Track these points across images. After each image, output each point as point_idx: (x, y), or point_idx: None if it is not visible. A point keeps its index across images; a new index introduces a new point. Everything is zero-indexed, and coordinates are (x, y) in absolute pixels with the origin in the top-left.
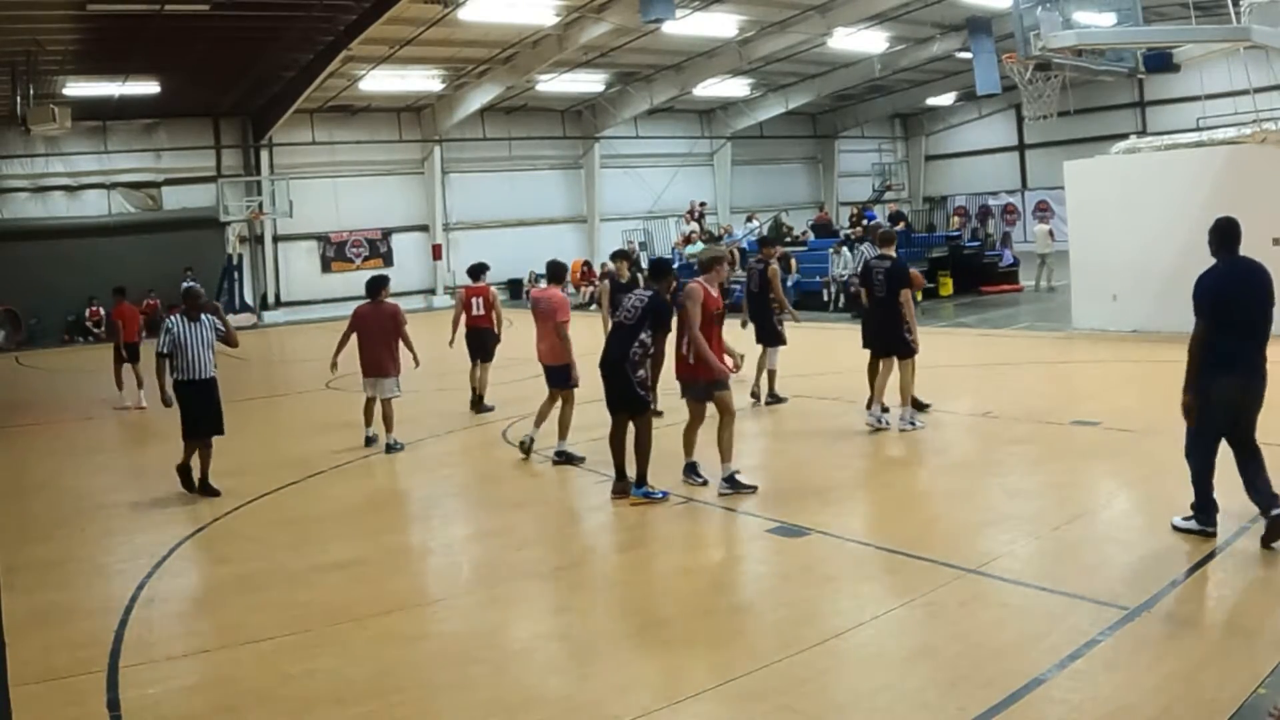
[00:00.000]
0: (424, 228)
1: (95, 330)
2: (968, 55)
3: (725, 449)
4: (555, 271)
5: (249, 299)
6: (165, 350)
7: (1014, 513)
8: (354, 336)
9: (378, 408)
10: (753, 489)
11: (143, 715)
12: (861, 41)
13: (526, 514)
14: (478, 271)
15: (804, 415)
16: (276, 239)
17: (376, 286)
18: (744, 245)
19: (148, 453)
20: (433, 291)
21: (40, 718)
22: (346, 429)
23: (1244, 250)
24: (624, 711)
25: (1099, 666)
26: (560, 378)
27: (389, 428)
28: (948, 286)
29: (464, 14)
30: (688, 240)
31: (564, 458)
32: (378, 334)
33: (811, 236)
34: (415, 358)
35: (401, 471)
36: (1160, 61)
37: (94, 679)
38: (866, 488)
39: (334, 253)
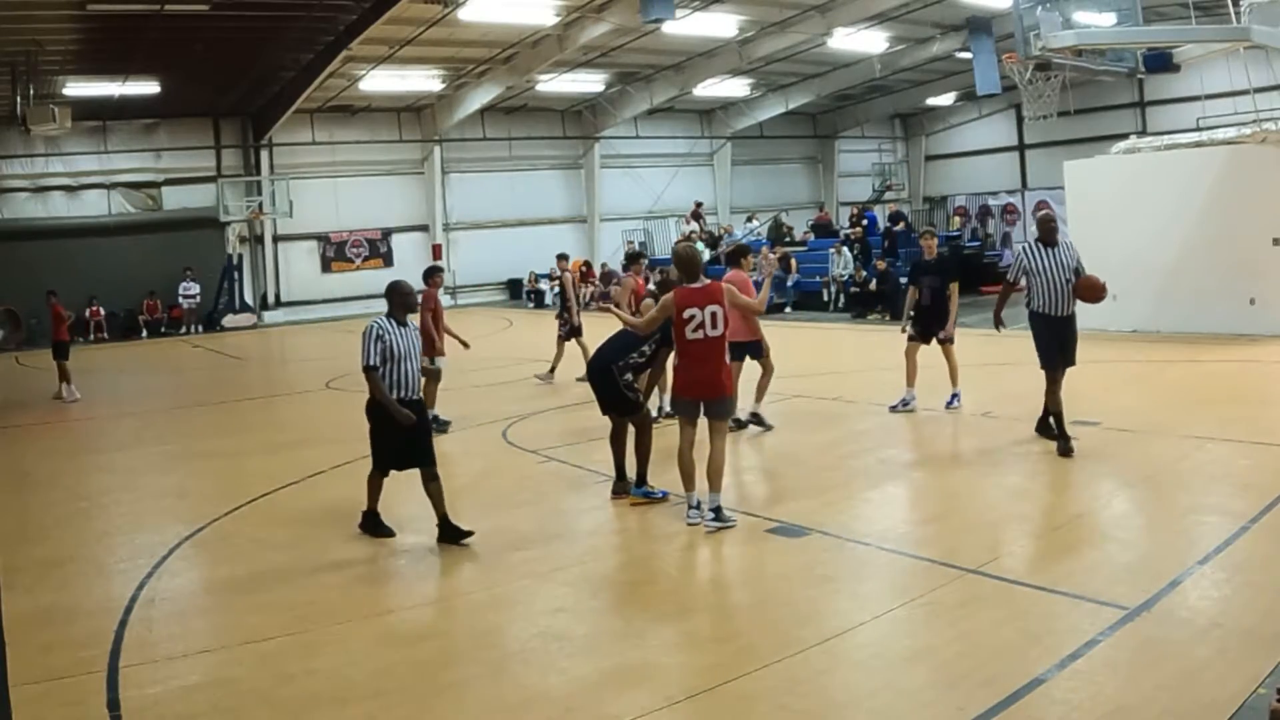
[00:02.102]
0: (424, 228)
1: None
2: (968, 55)
3: (717, 476)
4: (736, 254)
5: (249, 299)
6: (375, 362)
7: (1014, 513)
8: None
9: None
10: (733, 524)
11: (143, 715)
12: (861, 41)
13: (526, 514)
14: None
15: (804, 415)
16: (276, 239)
17: (425, 276)
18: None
19: (147, 453)
20: None
21: (40, 718)
22: (346, 429)
23: (1243, 250)
24: (624, 711)
25: (1099, 666)
26: (753, 350)
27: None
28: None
29: (464, 14)
30: (687, 240)
31: (756, 420)
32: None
33: (812, 237)
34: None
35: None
36: (1160, 61)
37: (94, 679)
38: (866, 488)
39: (334, 253)
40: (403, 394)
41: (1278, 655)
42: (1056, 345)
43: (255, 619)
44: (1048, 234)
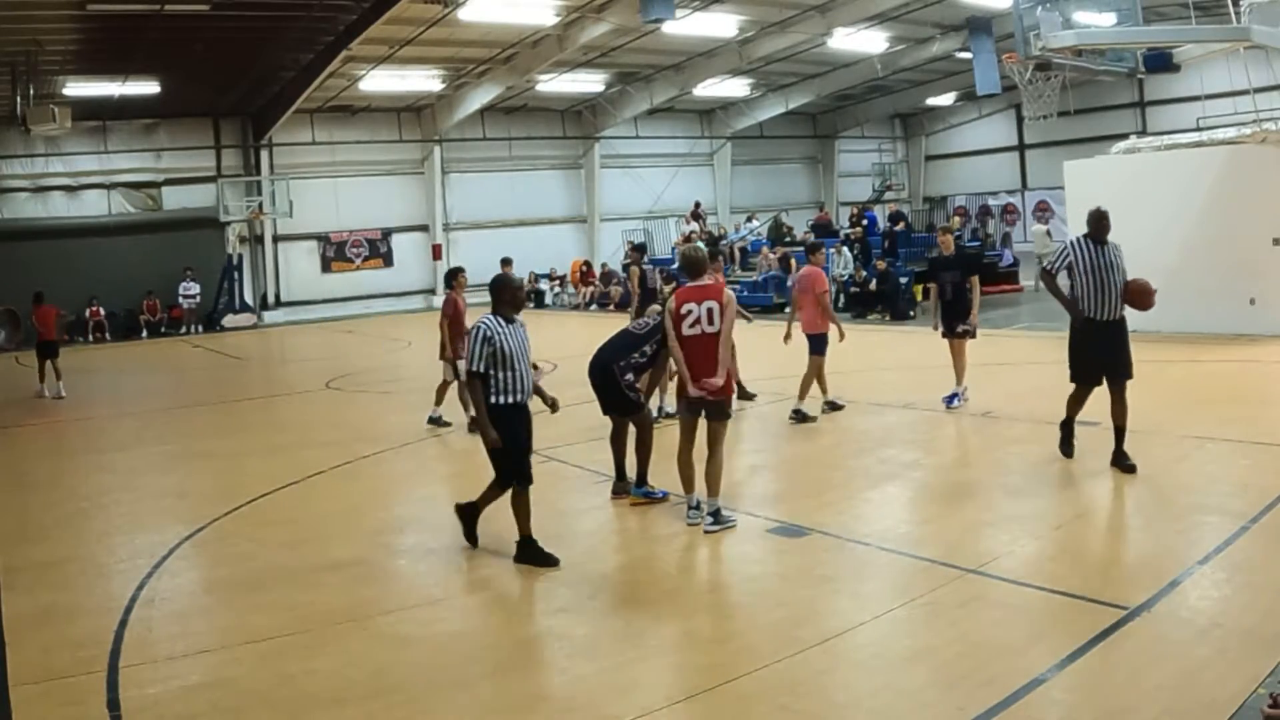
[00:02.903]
0: (424, 228)
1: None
2: (968, 55)
3: (714, 481)
4: (813, 247)
5: (249, 299)
6: (482, 367)
7: (1014, 513)
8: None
9: (450, 391)
10: (733, 524)
11: (143, 715)
12: (861, 41)
13: None
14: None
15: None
16: (276, 239)
17: (447, 279)
18: (749, 245)
19: (147, 453)
20: (432, 292)
21: (40, 718)
22: (346, 429)
23: (1243, 250)
24: (624, 711)
25: (1099, 666)
26: (817, 344)
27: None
28: None
29: (464, 14)
30: (688, 240)
31: (799, 417)
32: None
33: (812, 237)
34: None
35: (401, 471)
36: (1160, 61)
37: (94, 679)
38: (866, 488)
39: (334, 253)
40: (515, 398)
41: (1278, 655)
42: (1095, 355)
43: (255, 619)
44: (1098, 230)
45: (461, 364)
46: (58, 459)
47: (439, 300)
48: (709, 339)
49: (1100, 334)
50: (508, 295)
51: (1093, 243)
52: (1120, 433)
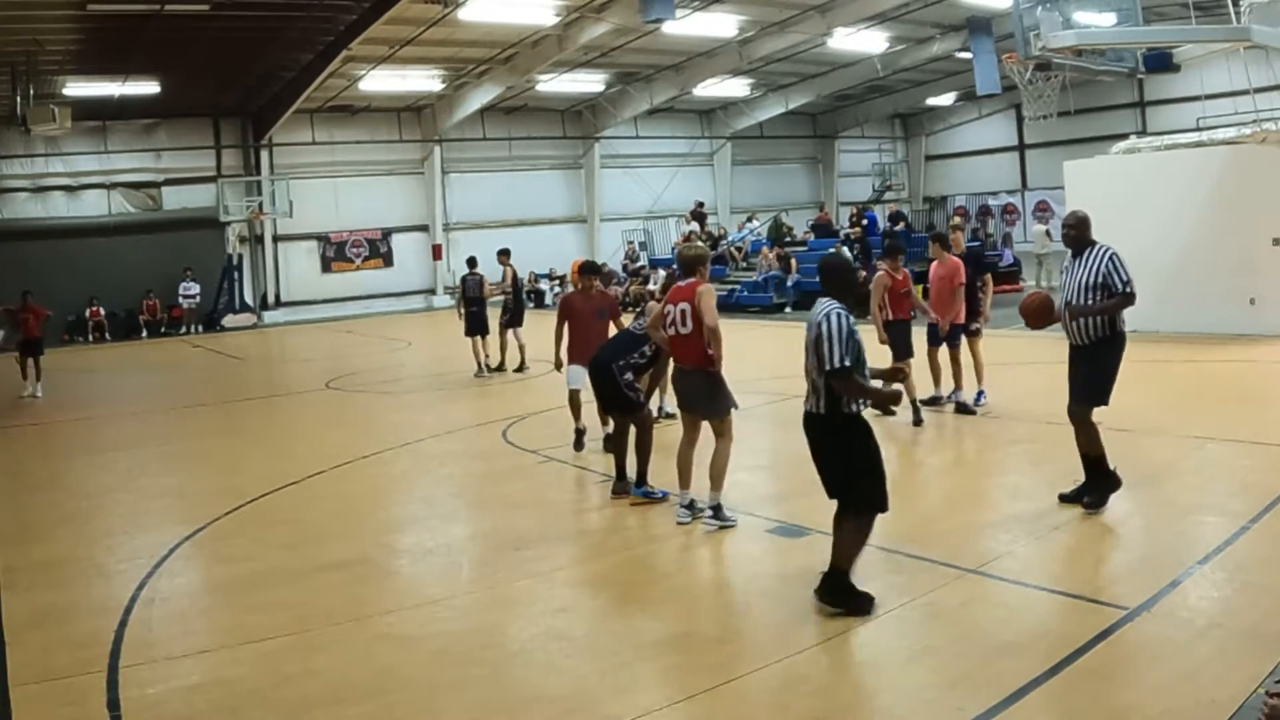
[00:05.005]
0: (424, 228)
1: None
2: (968, 55)
3: (716, 477)
4: (943, 241)
5: (249, 299)
6: (850, 362)
7: (1014, 513)
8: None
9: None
10: (733, 524)
11: (143, 715)
12: (861, 41)
13: (526, 514)
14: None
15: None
16: (276, 239)
17: (585, 270)
18: (751, 245)
19: (147, 453)
20: (433, 291)
21: (40, 718)
22: (347, 429)
23: (1243, 250)
24: (624, 711)
25: (1099, 666)
26: (952, 333)
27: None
28: None
29: (464, 14)
30: (687, 240)
31: (962, 406)
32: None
33: (812, 237)
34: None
35: (401, 471)
36: (1160, 61)
37: (94, 679)
38: None
39: (334, 253)
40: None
41: (1278, 655)
42: (1070, 379)
43: (255, 619)
44: (1066, 239)
45: (566, 370)
46: (58, 459)
47: (439, 301)
48: (682, 340)
49: (1072, 356)
50: (846, 283)
51: (1071, 255)
52: (1085, 463)
